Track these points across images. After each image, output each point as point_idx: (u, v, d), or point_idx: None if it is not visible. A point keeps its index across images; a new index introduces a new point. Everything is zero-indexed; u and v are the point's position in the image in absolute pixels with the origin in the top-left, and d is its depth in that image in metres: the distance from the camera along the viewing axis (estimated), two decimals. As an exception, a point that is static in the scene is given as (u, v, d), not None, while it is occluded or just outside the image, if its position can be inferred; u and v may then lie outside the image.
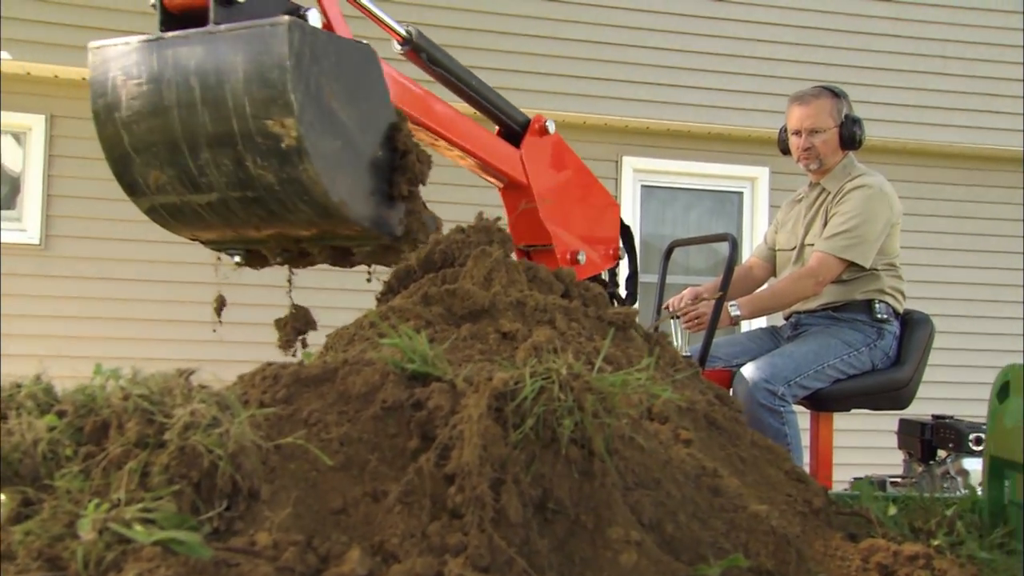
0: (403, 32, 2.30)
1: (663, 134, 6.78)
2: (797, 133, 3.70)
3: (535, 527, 1.24)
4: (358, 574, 1.13)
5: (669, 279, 4.07)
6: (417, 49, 2.33)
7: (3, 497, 1.17)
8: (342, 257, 1.98)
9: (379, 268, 2.05)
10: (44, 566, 1.07)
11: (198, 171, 1.79)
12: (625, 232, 3.05)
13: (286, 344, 2.22)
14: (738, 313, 3.45)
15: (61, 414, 1.26)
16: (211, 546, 1.11)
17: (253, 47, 1.67)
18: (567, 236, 2.68)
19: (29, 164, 6.00)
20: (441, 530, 1.20)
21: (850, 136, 3.65)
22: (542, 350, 1.59)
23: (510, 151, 2.57)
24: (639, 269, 3.15)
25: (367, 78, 1.86)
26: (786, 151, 3.84)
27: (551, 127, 2.67)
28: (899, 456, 4.03)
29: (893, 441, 3.98)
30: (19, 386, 1.33)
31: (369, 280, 2.07)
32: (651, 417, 1.67)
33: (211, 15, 1.75)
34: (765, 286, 3.97)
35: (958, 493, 2.90)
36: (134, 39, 1.82)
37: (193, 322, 5.49)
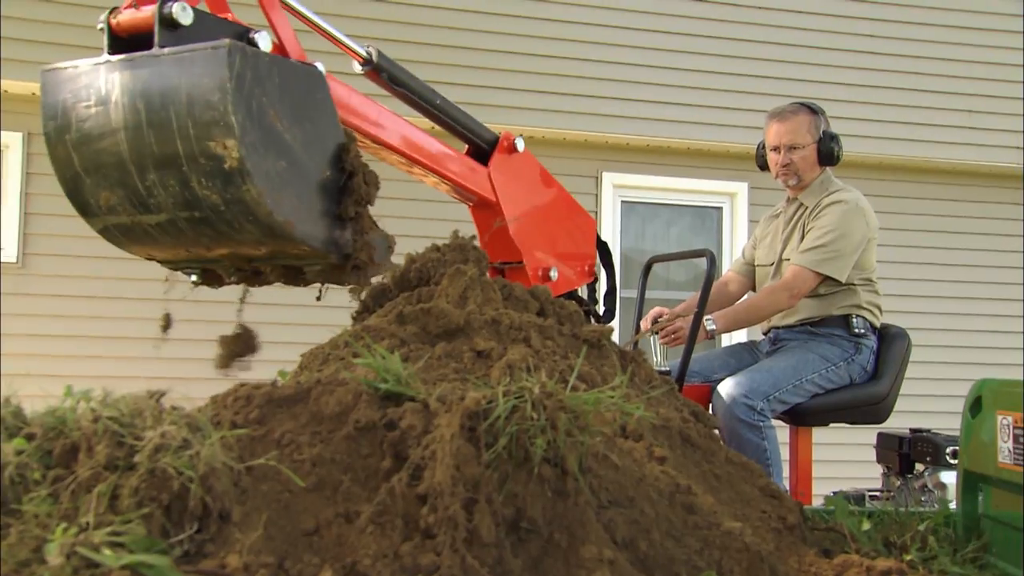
0: (363, 53, 2.30)
1: (643, 150, 6.82)
2: (775, 149, 3.72)
3: (508, 546, 1.24)
4: (329, 596, 1.13)
5: (649, 294, 4.07)
6: (378, 69, 2.32)
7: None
8: (294, 276, 2.00)
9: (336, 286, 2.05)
10: (11, 591, 1.07)
11: (146, 192, 1.81)
12: (602, 248, 3.05)
13: (223, 363, 2.25)
14: (714, 327, 3.46)
15: (30, 437, 1.26)
16: (181, 569, 1.10)
17: (195, 70, 1.70)
18: (538, 253, 2.67)
19: (7, 182, 5.96)
20: (413, 550, 1.20)
21: (828, 152, 3.68)
22: (516, 368, 1.59)
23: (478, 170, 2.57)
24: (618, 285, 3.15)
25: (313, 99, 1.87)
26: (764, 167, 3.86)
27: (520, 144, 2.66)
28: (878, 470, 4.05)
29: (872, 455, 4.00)
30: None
31: (319, 299, 2.08)
32: (625, 435, 1.67)
33: (156, 38, 1.77)
34: (742, 300, 3.99)
35: (935, 507, 2.92)
36: (83, 62, 1.85)
37: (172, 340, 5.44)
